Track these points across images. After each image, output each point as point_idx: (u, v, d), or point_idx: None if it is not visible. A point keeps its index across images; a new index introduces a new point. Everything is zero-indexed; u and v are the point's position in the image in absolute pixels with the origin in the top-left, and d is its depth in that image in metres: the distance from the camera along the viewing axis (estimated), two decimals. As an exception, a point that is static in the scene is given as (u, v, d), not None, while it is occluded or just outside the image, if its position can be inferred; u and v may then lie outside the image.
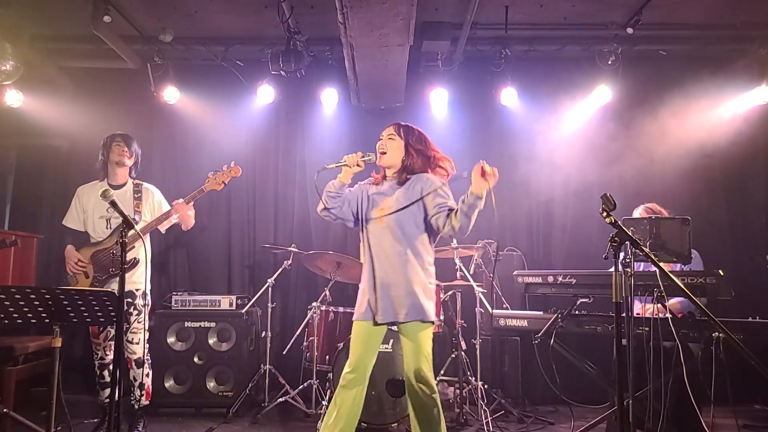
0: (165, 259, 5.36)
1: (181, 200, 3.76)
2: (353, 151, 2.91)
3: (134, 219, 3.74)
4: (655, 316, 2.95)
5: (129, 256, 3.63)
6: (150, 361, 3.85)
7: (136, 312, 3.71)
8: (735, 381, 2.78)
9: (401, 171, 2.93)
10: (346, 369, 2.82)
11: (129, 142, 3.83)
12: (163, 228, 3.89)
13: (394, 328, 2.90)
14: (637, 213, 3.83)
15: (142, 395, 3.72)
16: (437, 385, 4.43)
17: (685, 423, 3.10)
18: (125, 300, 3.67)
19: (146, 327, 3.77)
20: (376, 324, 2.79)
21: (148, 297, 3.81)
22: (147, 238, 3.85)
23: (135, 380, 3.70)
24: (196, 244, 5.38)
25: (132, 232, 3.06)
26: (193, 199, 3.76)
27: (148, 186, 3.93)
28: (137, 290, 3.71)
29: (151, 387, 3.85)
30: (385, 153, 2.91)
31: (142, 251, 3.73)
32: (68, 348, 5.07)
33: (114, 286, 3.66)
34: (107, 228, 3.75)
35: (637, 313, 3.34)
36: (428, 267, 2.90)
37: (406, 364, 2.78)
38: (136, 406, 3.72)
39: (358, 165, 2.86)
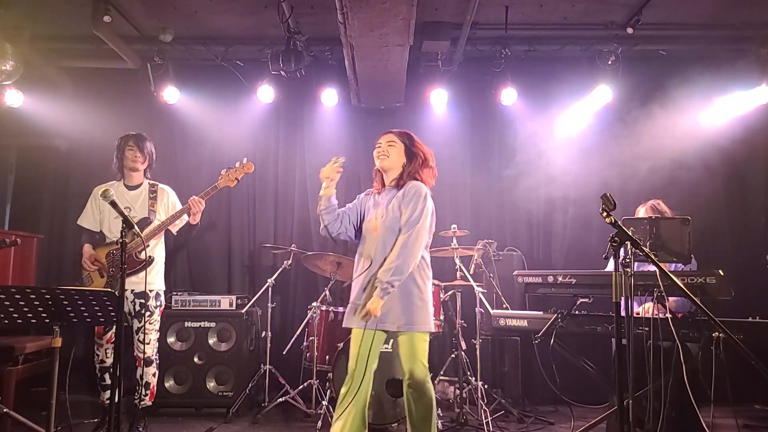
0: (165, 259, 5.35)
1: (196, 197, 3.75)
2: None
3: (149, 219, 3.77)
4: (655, 316, 2.95)
5: (143, 255, 3.64)
6: (158, 362, 3.85)
7: (148, 313, 3.71)
8: (735, 381, 2.78)
9: (401, 177, 2.95)
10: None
11: (142, 146, 3.82)
12: (174, 229, 3.90)
13: (395, 328, 2.84)
14: (642, 210, 3.82)
15: (146, 395, 3.72)
16: (437, 384, 4.47)
17: (685, 423, 3.10)
18: (139, 301, 3.70)
19: (157, 328, 3.79)
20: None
21: (162, 297, 3.82)
22: (162, 239, 3.86)
23: (141, 379, 3.70)
24: (196, 244, 5.38)
25: (136, 230, 3.06)
26: (207, 195, 3.78)
27: (164, 187, 3.95)
28: (151, 291, 3.72)
29: (156, 388, 3.86)
30: (387, 157, 2.93)
31: (157, 251, 3.76)
32: (69, 348, 5.03)
33: (129, 285, 3.65)
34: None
35: (637, 312, 3.34)
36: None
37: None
38: (139, 406, 3.72)
39: (336, 172, 2.95)
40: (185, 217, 3.81)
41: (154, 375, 3.80)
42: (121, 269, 2.63)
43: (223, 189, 3.88)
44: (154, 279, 3.76)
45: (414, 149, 2.96)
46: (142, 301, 3.69)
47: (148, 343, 3.70)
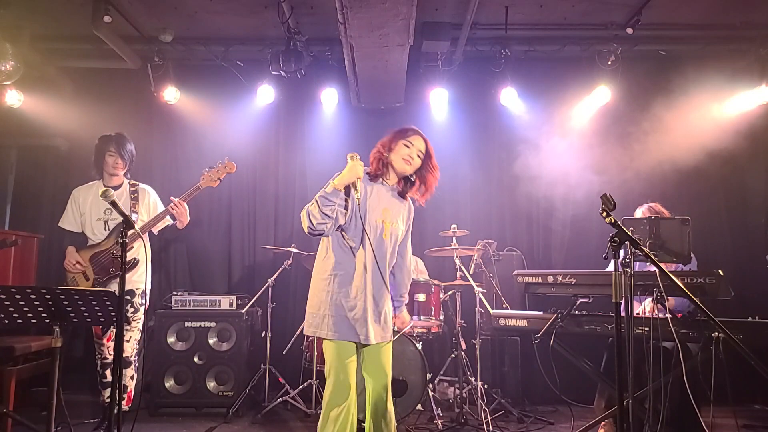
0: (165, 259, 5.36)
1: (176, 199, 3.72)
2: (352, 152, 2.85)
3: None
4: (655, 316, 2.95)
5: (129, 256, 3.63)
6: (137, 365, 3.79)
7: (132, 310, 3.70)
8: (735, 381, 2.78)
9: (404, 183, 2.79)
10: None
11: (122, 151, 3.76)
12: (156, 229, 3.87)
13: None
14: (639, 212, 3.83)
15: (123, 398, 3.64)
16: (438, 384, 4.48)
17: (685, 423, 3.10)
18: (125, 298, 3.67)
19: (140, 327, 3.76)
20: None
21: (147, 296, 3.81)
22: (146, 238, 3.85)
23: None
24: (197, 244, 5.38)
25: (132, 231, 3.05)
26: (189, 196, 3.73)
27: (145, 187, 3.92)
28: (137, 289, 3.71)
29: (133, 392, 3.78)
30: (411, 165, 2.73)
31: (141, 251, 3.73)
32: (68, 348, 5.07)
33: (116, 287, 3.65)
34: (105, 229, 3.75)
35: (637, 313, 3.34)
36: None
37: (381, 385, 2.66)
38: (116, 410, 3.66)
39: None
40: (168, 219, 3.77)
41: (132, 378, 3.74)
42: (122, 269, 2.61)
43: (218, 185, 3.85)
44: (140, 278, 3.73)
45: (429, 165, 2.77)
46: (128, 297, 3.67)
47: (127, 341, 3.65)
